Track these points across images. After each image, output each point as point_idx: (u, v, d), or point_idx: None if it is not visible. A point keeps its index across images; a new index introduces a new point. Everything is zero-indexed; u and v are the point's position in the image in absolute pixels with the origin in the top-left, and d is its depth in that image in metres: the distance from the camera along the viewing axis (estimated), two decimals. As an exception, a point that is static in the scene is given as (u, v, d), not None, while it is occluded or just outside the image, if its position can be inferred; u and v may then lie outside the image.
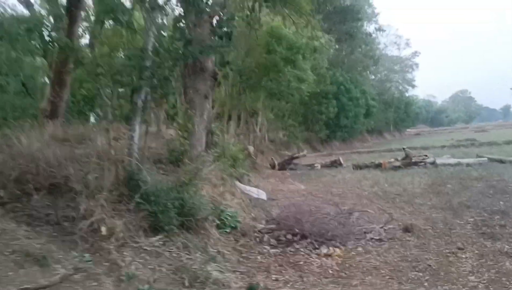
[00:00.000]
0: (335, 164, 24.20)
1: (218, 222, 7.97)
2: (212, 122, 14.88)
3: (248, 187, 13.42)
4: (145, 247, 6.30)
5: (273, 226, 9.08)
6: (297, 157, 25.51)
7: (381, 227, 9.30)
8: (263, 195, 13.37)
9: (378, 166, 21.32)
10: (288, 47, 19.76)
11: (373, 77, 68.24)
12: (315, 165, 24.21)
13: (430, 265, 6.93)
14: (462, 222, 9.63)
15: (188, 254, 6.58)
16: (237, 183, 13.31)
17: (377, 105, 55.07)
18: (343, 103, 42.51)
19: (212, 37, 7.74)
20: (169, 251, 6.48)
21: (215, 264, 6.41)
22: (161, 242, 6.51)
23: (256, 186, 15.72)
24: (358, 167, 21.99)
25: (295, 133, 38.07)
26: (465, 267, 6.78)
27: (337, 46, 46.78)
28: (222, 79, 21.48)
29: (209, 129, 14.35)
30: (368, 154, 32.28)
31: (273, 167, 25.10)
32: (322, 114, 40.82)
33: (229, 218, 8.28)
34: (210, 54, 7.47)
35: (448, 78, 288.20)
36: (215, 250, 7.12)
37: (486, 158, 20.35)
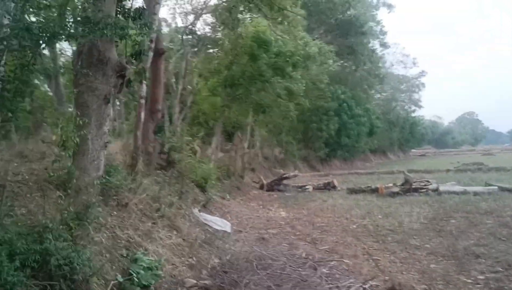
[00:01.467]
0: (328, 186, 21.62)
1: (120, 279, 5.45)
2: (176, 134, 12.48)
3: (209, 217, 10.94)
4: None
5: (209, 282, 6.50)
6: (287, 178, 22.91)
7: (361, 286, 6.71)
8: (227, 227, 10.88)
9: (375, 191, 18.72)
10: (276, 53, 17.31)
11: (378, 95, 65.71)
12: (307, 187, 21.63)
13: None
14: (469, 281, 7.03)
15: None
16: (196, 211, 10.85)
17: (381, 124, 52.48)
18: (345, 121, 40.02)
19: (119, 15, 5.45)
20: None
21: None
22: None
23: (225, 213, 13.26)
24: (352, 191, 19.41)
25: (292, 151, 35.56)
26: None
27: (341, 62, 44.57)
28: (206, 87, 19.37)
29: (163, 145, 12.11)
30: (367, 176, 29.59)
31: (261, 187, 22.60)
32: (322, 131, 38.32)
33: (141, 272, 5.76)
34: (111, 36, 5.06)
35: (455, 99, 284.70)
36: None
37: (496, 187, 17.61)
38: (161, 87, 12.05)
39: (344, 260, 8.12)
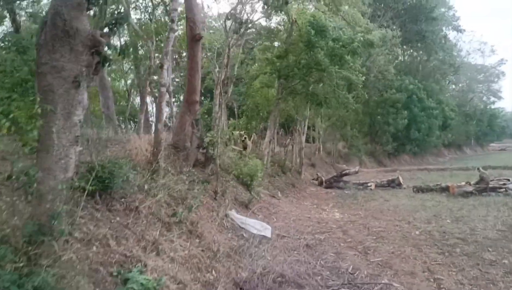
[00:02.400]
0: (393, 184, 19.62)
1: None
2: (215, 127, 11.31)
3: (247, 220, 9.64)
4: None
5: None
6: (347, 174, 21.12)
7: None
8: (267, 231, 9.53)
9: (445, 190, 16.57)
10: (333, 40, 15.57)
11: (453, 86, 61.32)
12: (369, 184, 19.75)
13: None
14: None
15: None
16: (233, 213, 9.61)
17: (456, 117, 48.59)
18: (415, 114, 37.17)
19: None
20: None
21: None
22: None
23: (271, 214, 11.95)
24: (419, 190, 17.37)
25: (357, 145, 33.46)
26: None
27: (409, 51, 41.56)
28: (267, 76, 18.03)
29: (200, 139, 10.96)
30: (438, 172, 26.95)
31: (320, 184, 21.04)
32: (389, 125, 35.77)
33: (129, 296, 4.60)
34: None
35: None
36: None
37: None
38: (198, 76, 10.93)
39: (394, 284, 6.47)
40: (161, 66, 7.43)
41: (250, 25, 16.23)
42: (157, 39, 19.32)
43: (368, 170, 29.74)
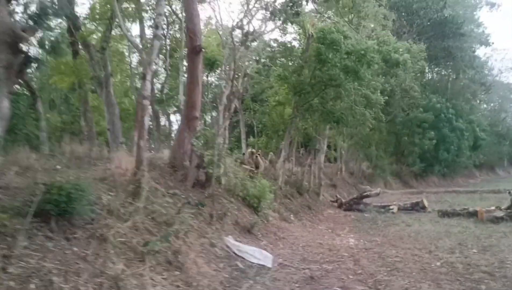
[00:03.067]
0: (417, 207, 18.23)
1: None
2: (217, 145, 10.45)
3: (245, 247, 8.67)
4: None
5: None
6: (368, 196, 19.84)
7: None
8: (267, 260, 8.54)
9: (473, 215, 15.14)
10: (346, 53, 14.62)
11: (484, 106, 58.97)
12: (391, 207, 18.40)
13: None
14: None
15: None
16: (229, 240, 8.67)
17: (488, 137, 46.42)
18: (444, 134, 35.49)
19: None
20: None
21: None
22: None
23: (278, 239, 10.95)
24: (445, 214, 15.97)
25: (382, 165, 32.03)
26: None
27: (437, 69, 40.03)
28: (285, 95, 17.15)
29: (200, 158, 10.11)
30: (467, 195, 25.20)
31: (339, 206, 19.85)
32: (415, 145, 34.22)
33: None
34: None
35: None
36: None
37: None
38: (199, 90, 10.17)
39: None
40: (143, 77, 6.68)
41: (258, 36, 15.41)
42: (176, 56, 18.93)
43: (392, 192, 28.24)
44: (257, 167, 15.40)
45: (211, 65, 17.42)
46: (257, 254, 8.58)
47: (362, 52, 14.63)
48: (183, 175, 9.88)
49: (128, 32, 12.30)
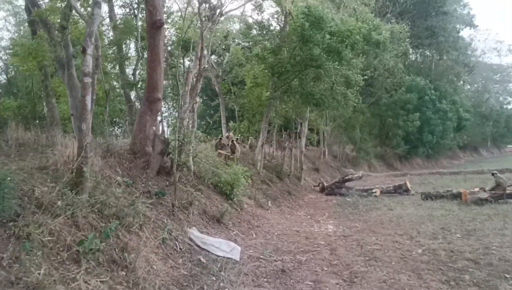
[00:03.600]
0: (400, 190, 17.65)
1: None
2: (182, 129, 9.59)
3: (211, 239, 7.88)
4: None
5: None
6: (350, 179, 19.17)
7: None
8: (234, 253, 7.77)
9: (457, 196, 14.59)
10: (330, 33, 13.71)
11: (468, 87, 58.67)
12: (373, 190, 17.80)
13: None
14: None
15: None
16: (193, 231, 7.86)
17: (472, 118, 46.13)
18: (428, 116, 34.99)
19: None
20: None
21: None
22: None
23: (251, 228, 10.21)
24: (428, 196, 15.40)
25: (365, 148, 31.46)
26: None
27: (420, 50, 39.37)
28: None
29: (165, 143, 9.24)
30: (451, 176, 24.76)
31: (321, 190, 19.19)
32: (399, 128, 33.68)
33: None
34: None
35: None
36: None
37: None
38: (160, 69, 9.24)
39: None
40: (83, 51, 5.78)
41: (226, 11, 14.48)
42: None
43: (376, 174, 27.74)
44: (233, 152, 14.62)
45: (187, 48, 16.46)
46: (224, 247, 7.80)
47: (348, 33, 13.74)
48: (145, 162, 9.02)
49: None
